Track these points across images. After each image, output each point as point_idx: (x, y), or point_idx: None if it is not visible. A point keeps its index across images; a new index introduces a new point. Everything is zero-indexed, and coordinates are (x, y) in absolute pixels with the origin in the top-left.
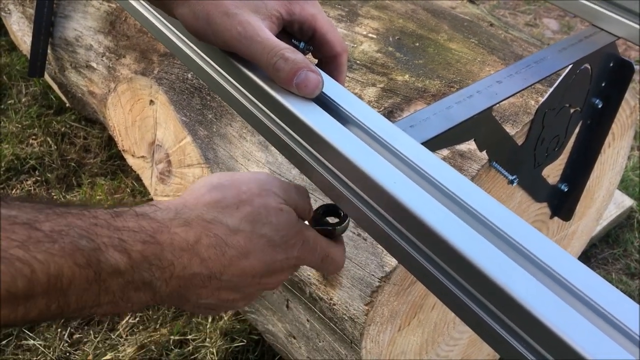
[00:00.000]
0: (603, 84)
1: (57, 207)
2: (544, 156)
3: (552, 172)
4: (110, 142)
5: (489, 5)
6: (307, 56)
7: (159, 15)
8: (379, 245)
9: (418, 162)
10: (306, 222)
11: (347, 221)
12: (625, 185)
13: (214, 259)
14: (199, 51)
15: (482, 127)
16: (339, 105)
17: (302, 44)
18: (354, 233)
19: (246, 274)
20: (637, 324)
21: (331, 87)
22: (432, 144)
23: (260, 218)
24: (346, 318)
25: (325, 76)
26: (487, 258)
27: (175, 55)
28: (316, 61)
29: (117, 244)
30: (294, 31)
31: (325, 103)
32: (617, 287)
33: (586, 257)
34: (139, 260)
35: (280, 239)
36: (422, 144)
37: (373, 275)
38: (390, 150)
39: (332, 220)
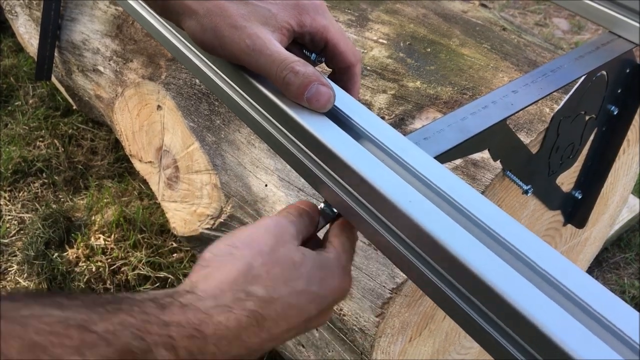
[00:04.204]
0: (619, 91)
1: (108, 303)
2: (559, 164)
3: (566, 180)
4: (117, 144)
5: (499, 4)
6: (320, 66)
7: (165, 23)
8: None
9: (433, 180)
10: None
11: None
12: (637, 188)
13: (252, 337)
14: (207, 61)
15: (497, 137)
16: (352, 120)
17: (313, 55)
18: (365, 243)
19: (286, 333)
20: (636, 330)
21: (343, 100)
22: (447, 156)
23: (292, 275)
24: (356, 329)
25: (337, 88)
26: (503, 279)
27: (183, 64)
28: (330, 71)
29: (166, 342)
30: (305, 43)
31: (337, 117)
32: (629, 292)
33: (597, 261)
34: (184, 357)
35: (317, 287)
36: (437, 156)
37: (384, 286)
38: (405, 167)
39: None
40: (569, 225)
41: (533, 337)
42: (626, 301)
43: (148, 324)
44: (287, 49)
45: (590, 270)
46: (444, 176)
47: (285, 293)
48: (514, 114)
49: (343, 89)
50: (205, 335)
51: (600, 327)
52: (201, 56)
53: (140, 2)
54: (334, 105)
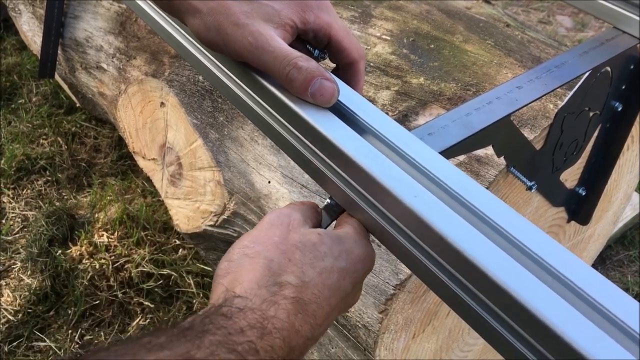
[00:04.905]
0: (623, 87)
1: (188, 330)
2: (563, 161)
3: (570, 176)
4: (120, 141)
5: (502, 3)
6: (324, 62)
7: (169, 20)
8: None
9: (438, 174)
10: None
11: None
12: None
13: (303, 325)
14: (211, 57)
15: (501, 133)
16: (356, 115)
17: (316, 51)
18: None
19: (330, 314)
20: (637, 322)
21: (347, 95)
22: (451, 152)
23: (315, 256)
24: (360, 326)
25: (341, 83)
26: (510, 274)
27: (187, 61)
28: (333, 66)
29: (251, 347)
30: (309, 40)
31: (342, 112)
32: (632, 290)
33: (601, 259)
34: (265, 356)
35: (345, 261)
36: (441, 152)
37: (387, 282)
38: (410, 162)
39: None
40: (573, 222)
41: (542, 335)
42: None
43: (230, 335)
44: (291, 45)
45: (593, 268)
46: (449, 171)
47: (315, 275)
48: (518, 110)
49: (347, 84)
50: (270, 331)
51: (611, 324)
52: (205, 52)
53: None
54: (339, 101)
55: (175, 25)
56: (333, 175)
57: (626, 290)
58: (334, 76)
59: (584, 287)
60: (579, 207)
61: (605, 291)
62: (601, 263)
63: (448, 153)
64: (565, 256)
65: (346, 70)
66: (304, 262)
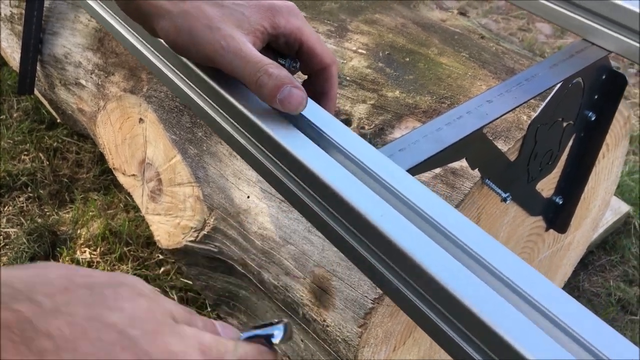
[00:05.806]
0: (596, 97)
1: None
2: (538, 171)
3: (546, 186)
4: (102, 157)
5: (482, 10)
6: (296, 75)
7: (141, 39)
8: None
9: (405, 193)
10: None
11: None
12: (621, 191)
13: (9, 350)
14: (181, 75)
15: (473, 146)
16: (324, 132)
17: (287, 62)
18: None
19: None
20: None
21: (315, 112)
22: (423, 167)
23: (106, 301)
24: (340, 340)
25: (309, 101)
26: (475, 294)
27: (159, 79)
28: (305, 77)
29: None
30: (280, 45)
31: (309, 130)
32: (615, 295)
33: (583, 264)
34: None
35: (142, 335)
36: (413, 167)
37: (366, 296)
38: (377, 180)
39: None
40: (552, 231)
41: (499, 348)
42: (612, 304)
43: None
44: (262, 53)
45: (576, 273)
46: (416, 189)
47: (83, 313)
48: (488, 124)
49: (321, 91)
50: None
51: (564, 334)
52: (175, 70)
53: (107, 9)
54: (307, 118)
55: (148, 45)
56: (301, 192)
57: (608, 295)
58: (302, 86)
59: (548, 306)
60: (557, 215)
61: (562, 304)
62: (583, 268)
63: (420, 168)
64: (531, 274)
65: (319, 76)
66: (81, 299)
